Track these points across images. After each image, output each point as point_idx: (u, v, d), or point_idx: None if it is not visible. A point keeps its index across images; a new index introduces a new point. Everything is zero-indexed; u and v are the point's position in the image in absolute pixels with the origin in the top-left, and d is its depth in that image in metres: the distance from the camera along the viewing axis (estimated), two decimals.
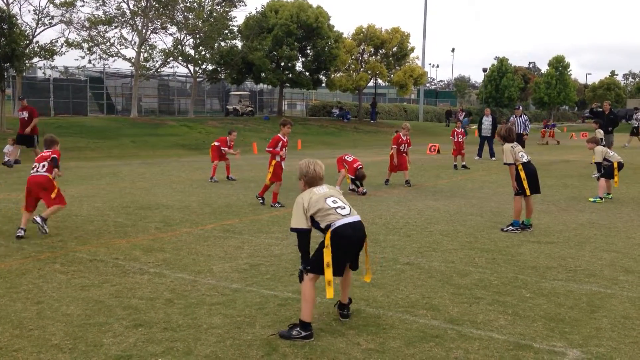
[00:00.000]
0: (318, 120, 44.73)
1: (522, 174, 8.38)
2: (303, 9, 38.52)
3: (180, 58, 36.16)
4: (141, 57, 33.71)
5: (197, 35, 35.78)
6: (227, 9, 36.51)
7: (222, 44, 37.09)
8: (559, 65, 69.40)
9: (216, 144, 14.49)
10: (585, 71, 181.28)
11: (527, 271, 6.29)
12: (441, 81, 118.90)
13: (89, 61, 33.03)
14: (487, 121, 21.73)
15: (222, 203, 10.75)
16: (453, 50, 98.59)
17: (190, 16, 35.23)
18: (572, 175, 16.11)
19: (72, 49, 31.52)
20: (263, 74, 38.71)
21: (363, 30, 43.71)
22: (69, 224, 8.59)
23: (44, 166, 7.89)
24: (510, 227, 8.44)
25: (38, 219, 7.66)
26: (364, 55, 44.80)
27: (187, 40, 36.39)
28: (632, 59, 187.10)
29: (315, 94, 63.59)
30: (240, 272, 6.13)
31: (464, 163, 18.12)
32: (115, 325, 4.60)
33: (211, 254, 6.93)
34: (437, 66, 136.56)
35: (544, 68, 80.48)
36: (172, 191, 12.33)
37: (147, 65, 34.56)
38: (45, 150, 8.22)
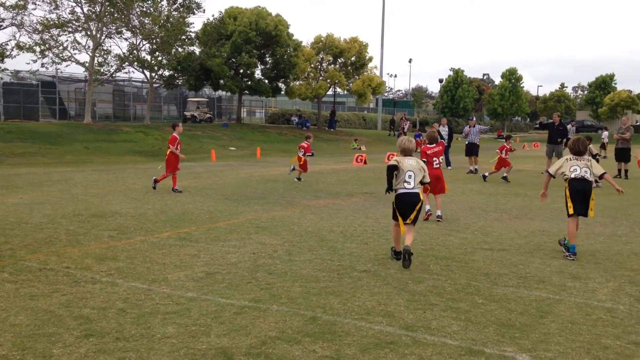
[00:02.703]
0: (277, 128, 44.71)
1: (567, 192, 7.60)
2: (262, 17, 38.53)
3: (135, 63, 35.60)
4: (95, 61, 33.04)
5: (154, 41, 35.31)
6: (185, 15, 36.19)
7: (180, 49, 36.71)
8: (512, 77, 71.45)
9: (172, 148, 13.36)
10: (537, 83, 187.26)
11: (480, 278, 6.42)
12: (399, 91, 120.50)
13: (42, 65, 32.20)
14: (443, 131, 22.15)
15: (178, 211, 10.62)
16: (410, 60, 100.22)
17: (146, 21, 34.75)
18: (524, 184, 16.55)
19: (23, 52, 30.68)
20: (222, 81, 38.47)
21: (322, 39, 44.00)
22: (19, 232, 8.32)
23: None
24: (566, 253, 7.53)
25: None
26: (323, 64, 45.08)
27: (143, 45, 35.89)
28: (581, 72, 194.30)
29: (274, 102, 63.58)
30: (195, 281, 6.06)
31: (506, 175, 17.25)
32: (66, 335, 4.48)
33: (166, 262, 6.83)
34: (395, 76, 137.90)
35: (497, 80, 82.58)
36: (126, 198, 12.10)
37: (102, 70, 33.89)
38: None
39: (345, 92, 49.05)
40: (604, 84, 74.94)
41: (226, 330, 4.66)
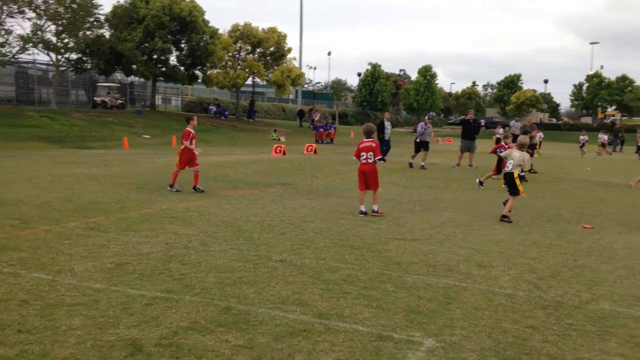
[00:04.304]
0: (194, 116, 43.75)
1: None
2: (176, 1, 37.29)
3: (40, 45, 33.61)
4: None
5: (59, 22, 33.46)
6: None
7: (88, 32, 34.98)
8: (427, 73, 73.75)
9: (186, 143, 11.94)
10: (450, 80, 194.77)
11: (392, 267, 6.61)
12: (319, 83, 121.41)
13: None
14: (389, 126, 22.45)
15: (86, 200, 10.18)
16: (329, 53, 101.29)
17: (50, 1, 32.85)
18: (437, 177, 17.15)
19: None
20: (134, 66, 37.12)
21: (240, 27, 43.45)
22: None
23: None
24: None
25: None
26: (241, 53, 44.56)
27: (48, 26, 33.90)
28: (491, 70, 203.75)
29: (191, 90, 62.17)
30: (104, 272, 5.85)
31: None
32: None
33: (73, 253, 6.54)
34: (315, 68, 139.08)
35: (413, 75, 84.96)
36: (30, 186, 11.46)
37: (3, 51, 31.74)
38: None
39: (265, 82, 48.77)
40: (511, 83, 78.93)
41: (136, 321, 4.54)
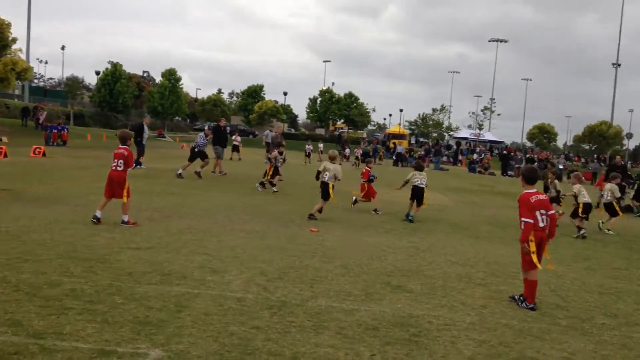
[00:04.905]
0: None
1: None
2: None
3: None
4: None
5: None
6: None
7: None
8: (171, 77, 72.85)
9: None
10: (196, 86, 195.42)
11: (123, 277, 6.35)
12: (51, 79, 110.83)
13: None
14: (147, 130, 21.46)
15: None
16: (63, 47, 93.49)
17: None
18: (179, 184, 17.01)
19: None
20: None
21: None
22: None
23: None
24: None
25: None
26: None
27: None
28: (236, 79, 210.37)
29: None
30: None
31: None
32: None
33: None
34: (46, 62, 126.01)
35: (158, 78, 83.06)
36: None
37: None
38: None
39: None
40: (255, 93, 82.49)
41: None
